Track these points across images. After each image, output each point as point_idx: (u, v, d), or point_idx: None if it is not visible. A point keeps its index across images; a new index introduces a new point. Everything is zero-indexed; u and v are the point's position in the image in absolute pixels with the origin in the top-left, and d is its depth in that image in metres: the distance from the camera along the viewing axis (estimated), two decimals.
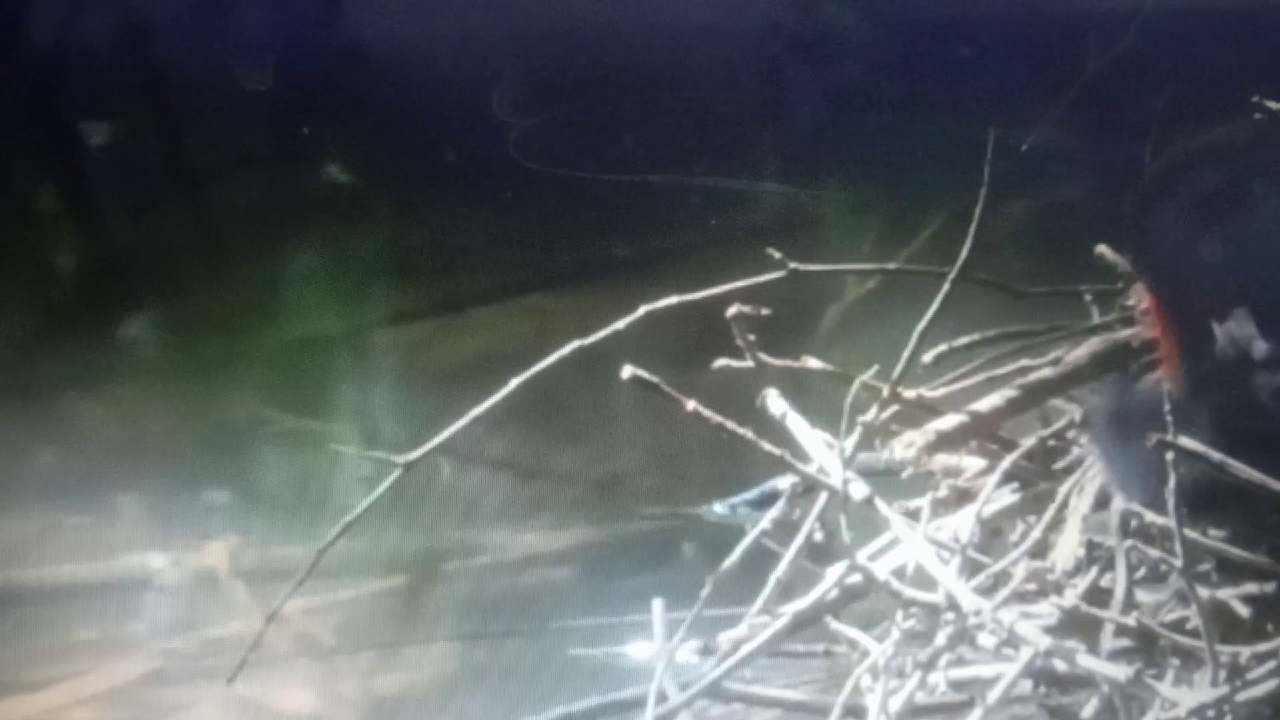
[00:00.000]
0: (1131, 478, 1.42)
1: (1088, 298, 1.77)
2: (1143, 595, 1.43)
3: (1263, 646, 1.36)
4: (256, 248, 2.71)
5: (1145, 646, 1.39)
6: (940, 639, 1.38)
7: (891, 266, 1.83)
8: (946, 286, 1.50)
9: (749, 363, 1.59)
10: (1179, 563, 1.33)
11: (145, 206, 2.90)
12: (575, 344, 1.58)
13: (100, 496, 2.02)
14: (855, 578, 1.43)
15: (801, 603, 1.45)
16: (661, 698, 1.40)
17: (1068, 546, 1.47)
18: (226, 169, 2.99)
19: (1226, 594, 1.40)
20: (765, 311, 1.55)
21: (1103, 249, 1.74)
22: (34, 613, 1.78)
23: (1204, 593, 1.36)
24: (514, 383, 1.58)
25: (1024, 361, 1.65)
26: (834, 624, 1.46)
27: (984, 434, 1.60)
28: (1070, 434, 1.60)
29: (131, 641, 1.72)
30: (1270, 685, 1.33)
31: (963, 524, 1.50)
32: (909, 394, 1.59)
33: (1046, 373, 1.63)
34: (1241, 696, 1.31)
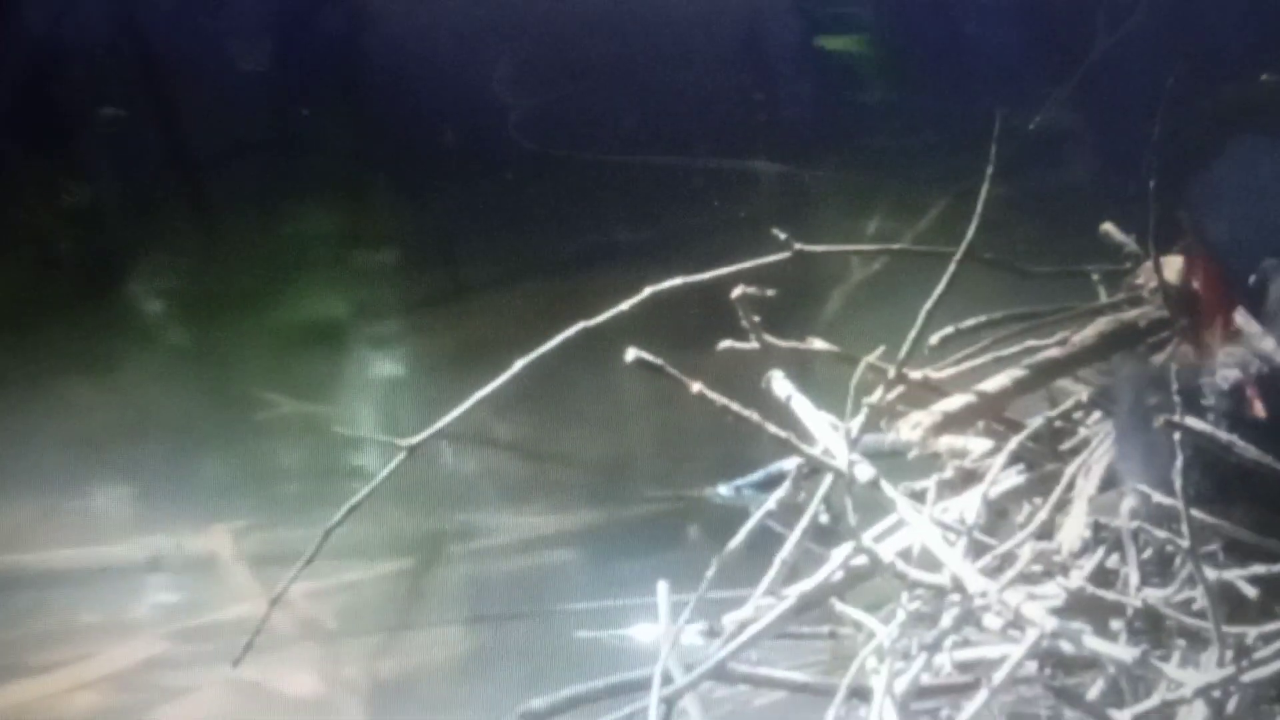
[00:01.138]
0: (1150, 465, 1.41)
1: (1095, 278, 1.76)
2: (1149, 577, 1.43)
3: (1269, 627, 1.35)
4: (257, 232, 2.70)
5: (1151, 628, 1.39)
6: (946, 621, 1.38)
7: (897, 247, 1.82)
8: (953, 267, 1.49)
9: (754, 344, 1.58)
10: (1185, 544, 1.32)
11: (146, 191, 2.89)
12: (580, 325, 1.57)
13: (103, 480, 2.02)
14: (861, 559, 1.42)
15: (807, 584, 1.44)
16: (667, 679, 1.40)
17: (1074, 528, 1.47)
18: (226, 153, 2.98)
19: (1233, 575, 1.39)
20: (770, 293, 1.55)
21: (1109, 228, 1.73)
22: (37, 596, 1.78)
23: (1211, 574, 1.36)
24: (518, 364, 1.58)
25: (1031, 342, 1.64)
26: (839, 606, 1.45)
27: (990, 415, 1.59)
28: (1077, 415, 1.60)
29: (135, 625, 1.72)
30: (1277, 665, 1.32)
31: (969, 505, 1.49)
32: (915, 375, 1.59)
33: (1054, 353, 1.62)
34: (1248, 677, 1.31)
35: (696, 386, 1.42)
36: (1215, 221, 1.47)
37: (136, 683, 1.65)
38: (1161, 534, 1.39)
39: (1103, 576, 1.43)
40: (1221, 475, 1.38)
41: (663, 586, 1.50)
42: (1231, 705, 1.30)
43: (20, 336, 2.34)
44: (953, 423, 1.57)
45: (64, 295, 2.55)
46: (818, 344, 1.61)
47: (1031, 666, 1.38)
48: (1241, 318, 1.43)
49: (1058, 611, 1.35)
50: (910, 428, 1.55)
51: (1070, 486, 1.50)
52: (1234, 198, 1.46)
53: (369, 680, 1.64)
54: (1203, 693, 1.29)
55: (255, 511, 1.91)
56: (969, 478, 1.56)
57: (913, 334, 1.49)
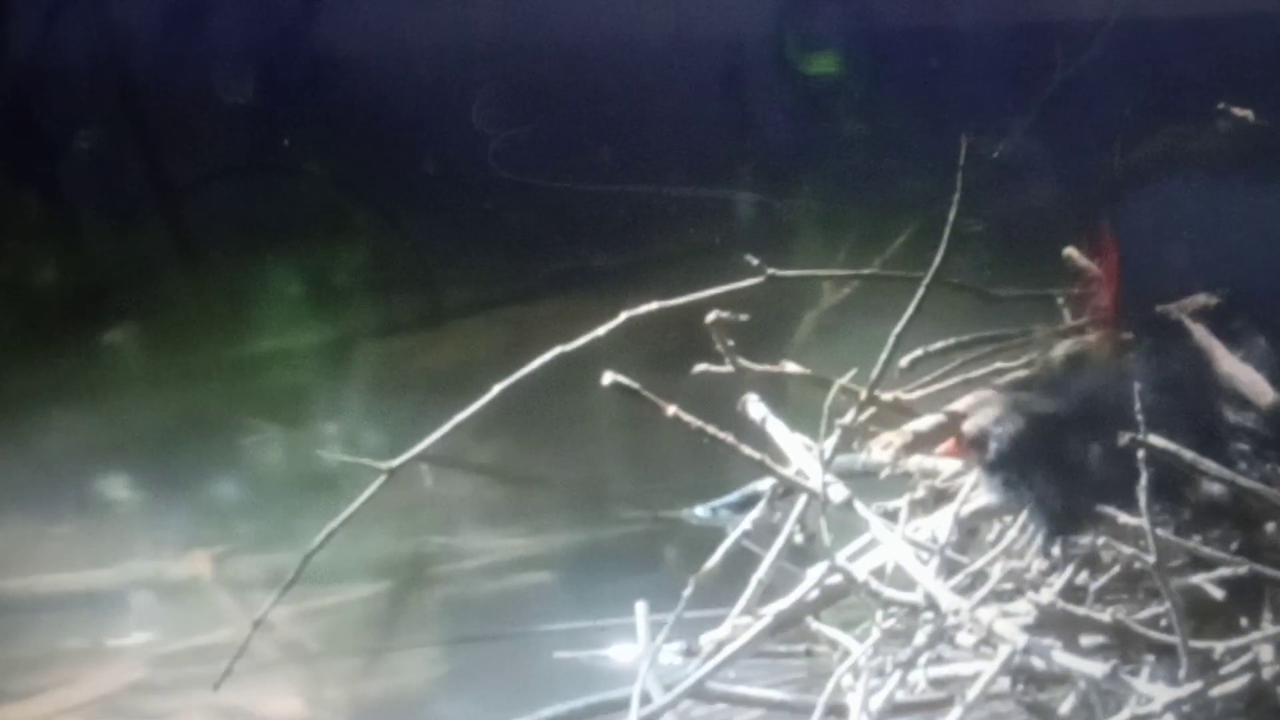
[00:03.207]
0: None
1: (1059, 301, 1.80)
2: (1118, 593, 1.46)
3: (1236, 641, 1.38)
4: (237, 260, 2.71)
5: (1121, 643, 1.41)
6: (920, 638, 1.40)
7: (867, 272, 1.86)
8: (921, 291, 1.52)
9: (728, 368, 1.61)
10: (1151, 559, 1.35)
11: (126, 219, 2.90)
12: (558, 350, 1.60)
13: (85, 505, 2.02)
14: (835, 578, 1.45)
15: (783, 603, 1.46)
16: (645, 699, 1.42)
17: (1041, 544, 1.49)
18: (206, 181, 2.99)
19: (1200, 579, 1.42)
20: (744, 317, 1.57)
21: (1071, 252, 1.77)
22: (20, 621, 1.78)
23: (1176, 581, 1.38)
24: (497, 388, 1.60)
25: (998, 364, 1.68)
26: (815, 624, 1.48)
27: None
28: None
29: (117, 650, 1.72)
30: (1243, 680, 1.35)
31: (941, 524, 1.52)
32: (886, 396, 1.62)
33: (1020, 375, 1.65)
34: (1215, 691, 1.33)
35: (672, 409, 1.44)
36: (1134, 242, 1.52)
37: (119, 707, 1.65)
38: (1128, 550, 1.42)
39: (1073, 593, 1.45)
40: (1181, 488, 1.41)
41: (641, 607, 1.52)
42: (1200, 719, 1.33)
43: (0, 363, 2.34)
44: (923, 443, 1.60)
45: (45, 322, 2.55)
46: (791, 367, 1.64)
47: (1004, 682, 1.41)
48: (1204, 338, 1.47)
49: (1029, 628, 1.38)
50: (882, 448, 1.58)
51: None
52: (1158, 227, 1.52)
53: (351, 702, 1.65)
54: (1172, 707, 1.32)
55: (236, 536, 1.92)
56: (940, 497, 1.59)
57: (883, 357, 1.52)
